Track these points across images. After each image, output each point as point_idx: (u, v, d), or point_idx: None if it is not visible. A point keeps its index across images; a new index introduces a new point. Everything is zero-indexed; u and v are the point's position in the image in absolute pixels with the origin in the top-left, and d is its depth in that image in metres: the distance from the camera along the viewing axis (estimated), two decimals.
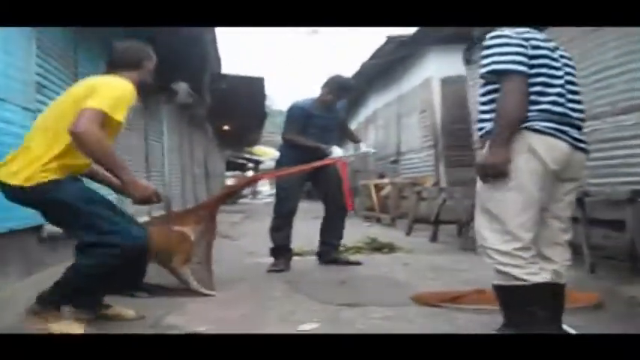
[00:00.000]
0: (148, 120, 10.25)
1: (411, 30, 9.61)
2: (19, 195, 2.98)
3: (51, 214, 3.10)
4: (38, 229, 4.70)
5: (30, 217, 4.47)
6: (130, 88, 3.02)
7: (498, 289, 2.58)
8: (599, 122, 5.73)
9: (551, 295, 2.52)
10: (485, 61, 2.55)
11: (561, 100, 2.51)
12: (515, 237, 2.46)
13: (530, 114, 2.47)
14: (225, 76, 11.97)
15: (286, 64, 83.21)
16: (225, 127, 20.12)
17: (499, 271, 2.51)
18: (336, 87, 5.30)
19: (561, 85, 2.53)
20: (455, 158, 10.25)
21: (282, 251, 5.26)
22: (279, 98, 48.17)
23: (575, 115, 2.57)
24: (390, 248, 6.41)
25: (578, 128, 2.59)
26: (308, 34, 52.09)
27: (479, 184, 2.61)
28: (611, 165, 5.55)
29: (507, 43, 2.49)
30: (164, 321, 3.33)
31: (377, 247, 6.49)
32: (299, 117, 5.28)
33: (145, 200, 3.00)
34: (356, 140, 6.03)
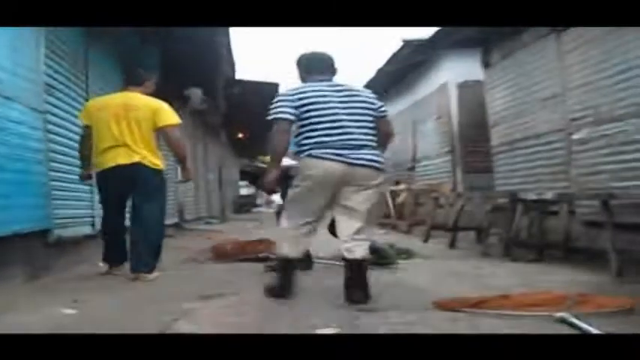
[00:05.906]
0: None
1: (427, 33, 9.46)
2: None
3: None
4: (44, 233, 4.61)
5: (35, 219, 4.37)
6: None
7: None
8: (623, 124, 5.57)
9: None
10: None
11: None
12: None
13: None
14: (239, 82, 11.90)
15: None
16: (240, 135, 20.04)
17: None
18: None
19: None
20: (472, 164, 10.10)
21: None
22: None
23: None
24: (408, 254, 6.25)
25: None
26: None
27: None
28: (636, 167, 5.38)
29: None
30: (174, 327, 3.19)
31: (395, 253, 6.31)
32: None
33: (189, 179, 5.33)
34: None
